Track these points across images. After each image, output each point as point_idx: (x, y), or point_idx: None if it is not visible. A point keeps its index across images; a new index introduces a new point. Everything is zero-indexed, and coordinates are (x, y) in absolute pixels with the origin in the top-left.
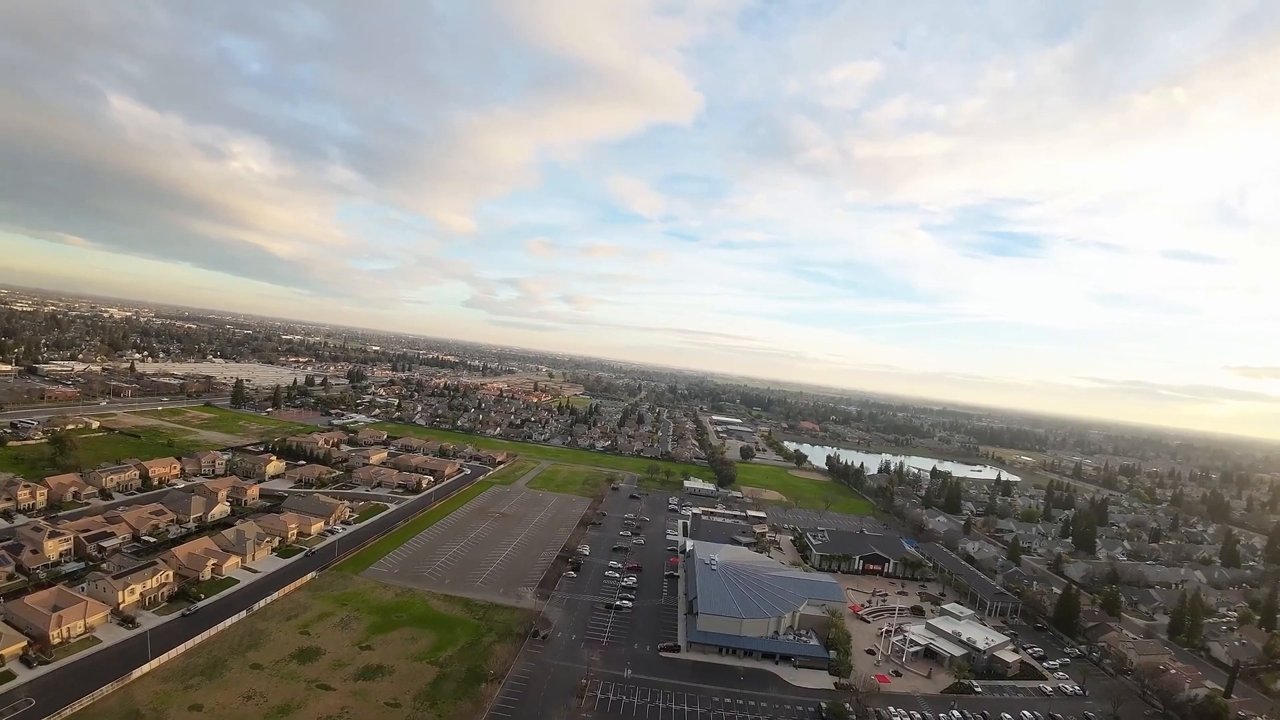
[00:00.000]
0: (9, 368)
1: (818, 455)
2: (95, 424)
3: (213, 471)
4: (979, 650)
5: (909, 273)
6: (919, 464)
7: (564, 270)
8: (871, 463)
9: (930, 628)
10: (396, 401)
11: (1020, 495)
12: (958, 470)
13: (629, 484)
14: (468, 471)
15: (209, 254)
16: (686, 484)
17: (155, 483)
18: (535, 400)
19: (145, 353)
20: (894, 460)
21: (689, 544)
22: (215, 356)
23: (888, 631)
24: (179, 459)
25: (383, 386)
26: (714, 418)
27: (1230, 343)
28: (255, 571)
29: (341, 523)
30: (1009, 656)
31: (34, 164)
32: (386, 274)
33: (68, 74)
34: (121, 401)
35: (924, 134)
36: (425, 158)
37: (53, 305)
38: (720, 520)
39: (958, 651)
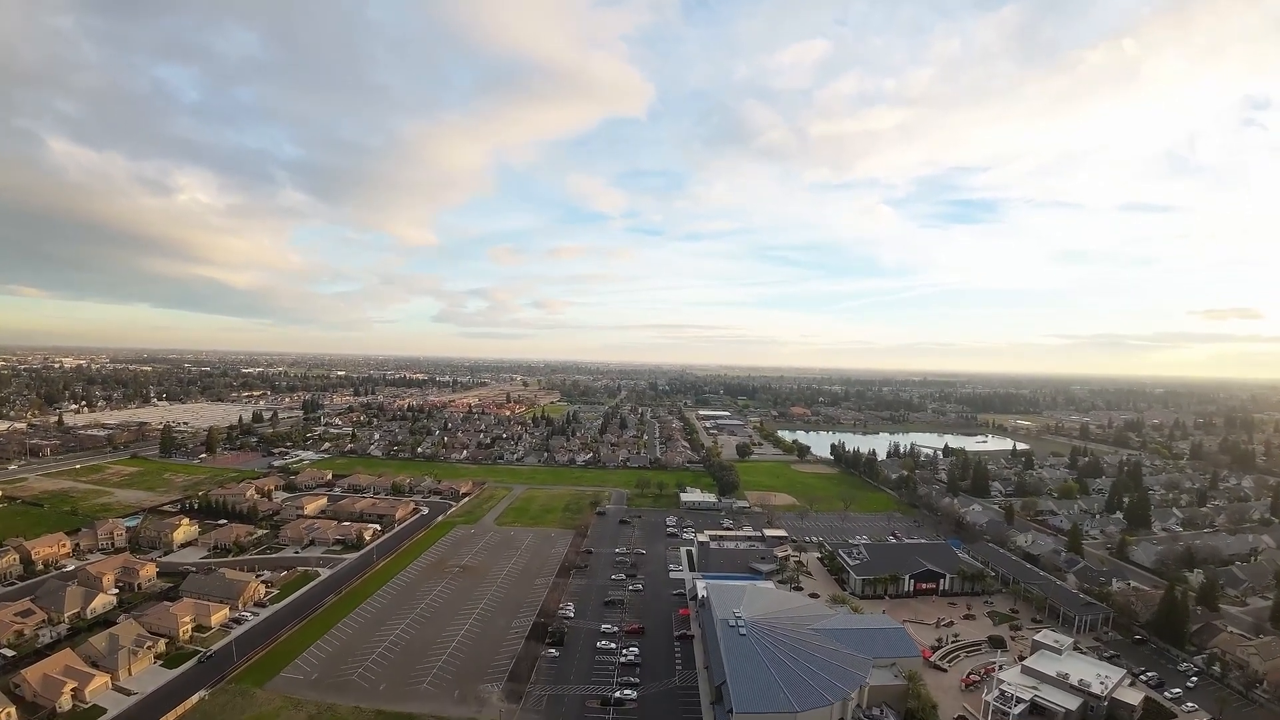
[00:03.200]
0: None
1: (816, 443)
2: None
3: (111, 545)
4: (1096, 696)
5: (873, 248)
6: (921, 441)
7: (531, 275)
8: (873, 445)
9: (1029, 671)
10: (350, 431)
11: (1042, 466)
12: (961, 443)
13: (617, 504)
14: (425, 511)
15: (166, 292)
16: (684, 497)
17: (40, 567)
18: (508, 414)
19: (83, 403)
20: (896, 440)
21: (700, 586)
22: (159, 399)
23: (973, 681)
24: (71, 534)
25: (339, 415)
26: (700, 412)
27: (1193, 288)
28: (129, 693)
29: (254, 605)
30: (1131, 696)
31: None
32: (351, 296)
33: (2, 119)
34: (39, 462)
35: (877, 108)
36: (377, 172)
37: (3, 360)
38: (732, 547)
39: (1072, 703)
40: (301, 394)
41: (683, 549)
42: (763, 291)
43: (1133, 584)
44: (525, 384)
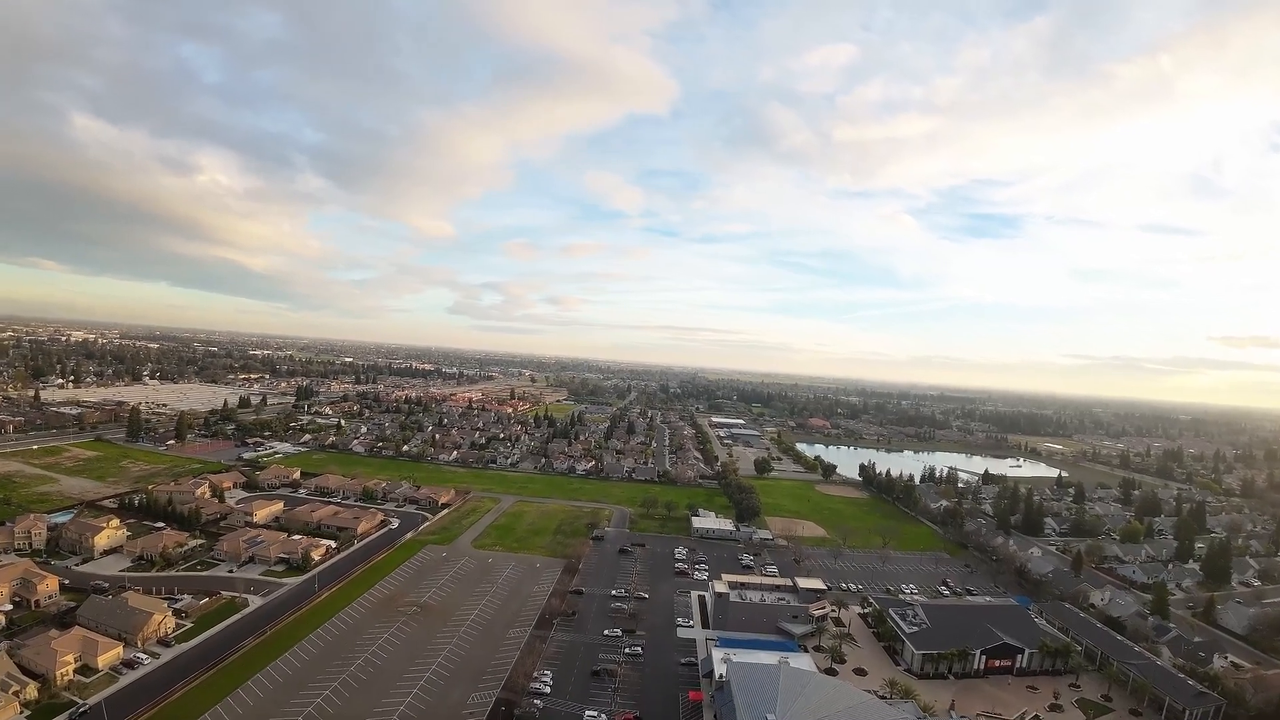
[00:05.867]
0: None
1: (839, 459)
2: None
3: (29, 546)
4: None
5: (890, 258)
6: (952, 461)
7: (546, 271)
8: (901, 464)
9: None
10: (337, 422)
11: (1092, 499)
12: (993, 465)
13: (618, 526)
14: (394, 525)
15: (184, 272)
16: (695, 522)
17: None
18: (509, 411)
19: (70, 378)
20: (926, 460)
21: (717, 657)
22: (152, 378)
23: None
24: None
25: (332, 404)
26: (713, 419)
27: (1212, 313)
28: None
29: (157, 643)
30: None
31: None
32: (367, 284)
33: (25, 93)
34: None
35: (903, 115)
36: (396, 161)
37: (13, 331)
38: (757, 599)
39: None
40: (300, 379)
41: (694, 595)
42: (777, 297)
43: (1230, 659)
44: (533, 380)
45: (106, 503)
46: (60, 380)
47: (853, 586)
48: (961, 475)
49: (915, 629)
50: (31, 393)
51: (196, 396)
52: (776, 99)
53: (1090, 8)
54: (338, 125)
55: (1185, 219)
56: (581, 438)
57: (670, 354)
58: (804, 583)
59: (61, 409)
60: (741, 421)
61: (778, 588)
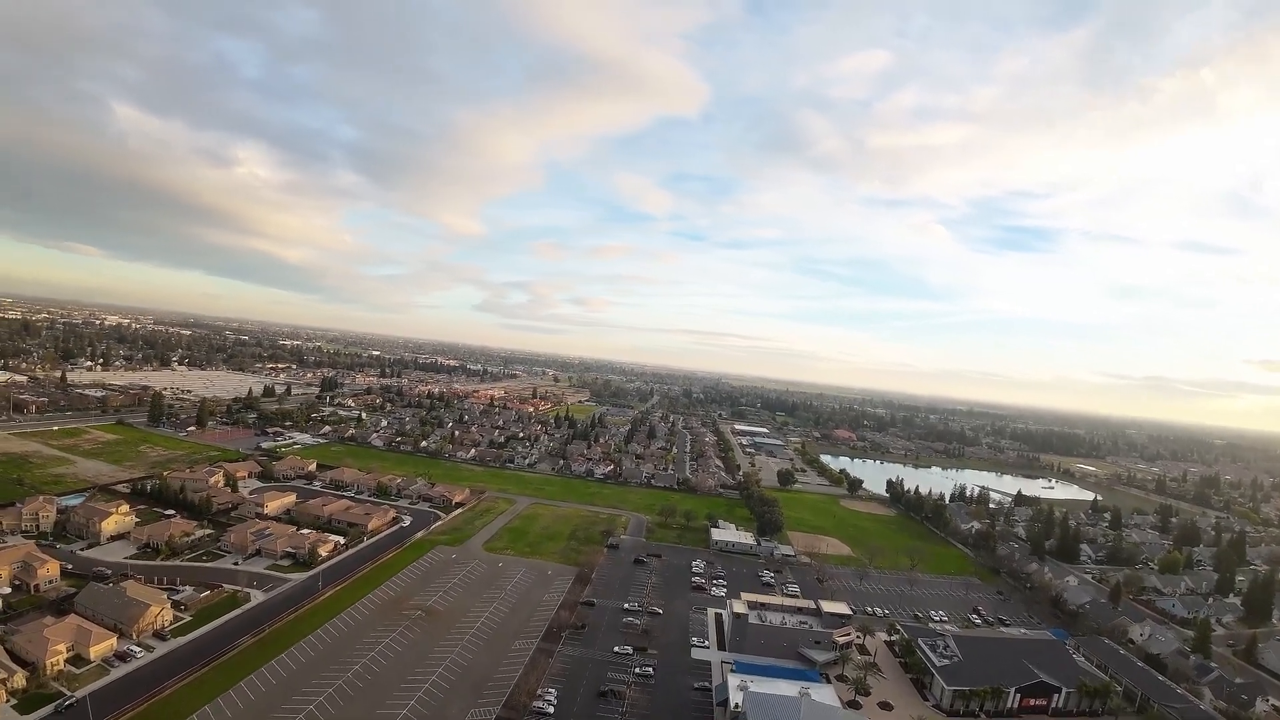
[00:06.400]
0: None
1: (865, 473)
2: None
3: (35, 528)
4: None
5: (920, 269)
6: (981, 480)
7: (573, 272)
8: (929, 481)
9: None
10: (358, 415)
11: (1128, 525)
12: (1024, 486)
13: (634, 535)
14: (405, 522)
15: (221, 262)
16: (715, 534)
17: None
18: (530, 410)
19: (99, 361)
20: (954, 477)
21: (733, 685)
22: (180, 364)
23: None
24: None
25: (355, 396)
26: (736, 426)
27: (1249, 335)
28: None
29: (152, 636)
30: None
31: (42, 174)
32: (397, 279)
33: (67, 81)
34: (19, 419)
35: (937, 124)
36: (428, 159)
37: (48, 313)
38: (778, 622)
39: None
40: (326, 371)
41: (711, 613)
42: (804, 305)
43: (1272, 702)
44: (556, 379)
45: (120, 487)
46: (89, 363)
47: (879, 611)
48: (993, 495)
49: (946, 661)
50: (59, 374)
51: (222, 384)
52: (809, 104)
53: (1131, 19)
54: (373, 122)
55: (1223, 238)
56: (601, 440)
57: (694, 358)
58: (828, 606)
59: (87, 391)
60: (765, 430)
61: (800, 610)
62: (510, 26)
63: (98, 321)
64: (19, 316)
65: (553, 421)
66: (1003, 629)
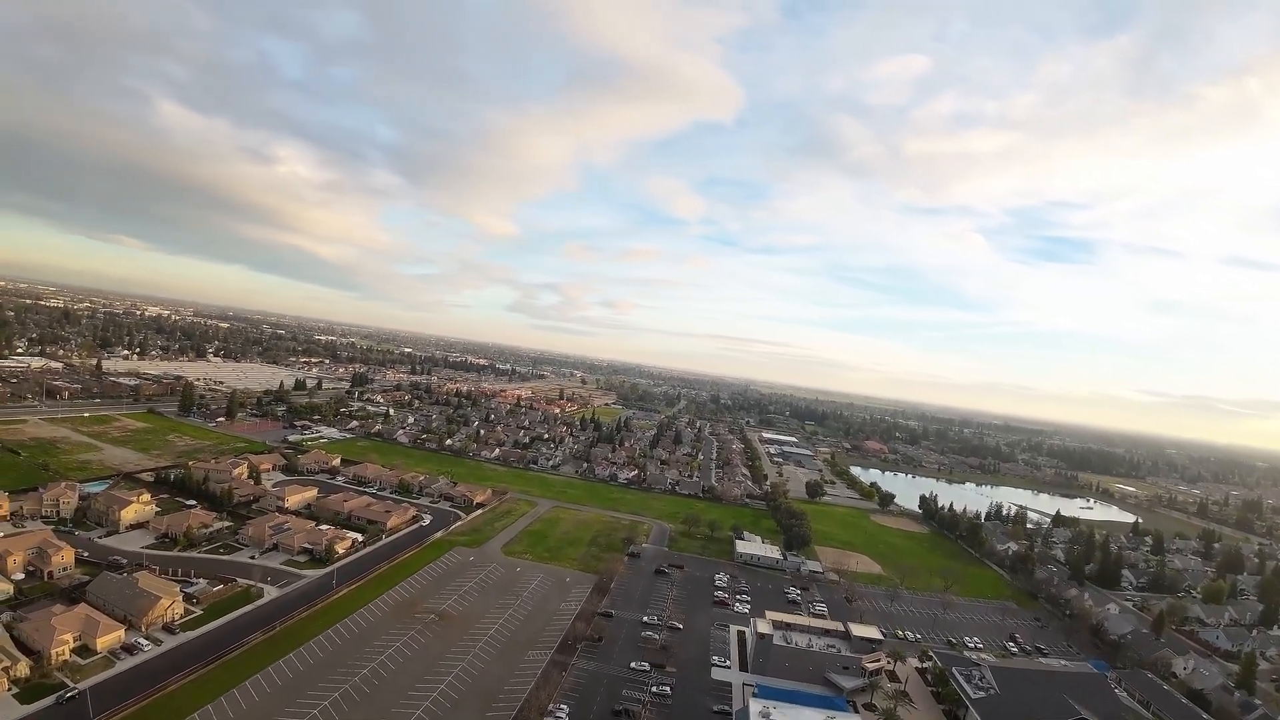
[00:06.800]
0: None
1: (896, 487)
2: None
3: (56, 514)
4: None
5: (956, 278)
6: (1017, 498)
7: (603, 274)
8: (962, 498)
9: None
10: (386, 411)
11: (1170, 549)
12: (1062, 505)
13: (656, 543)
14: (425, 522)
15: (261, 257)
16: (739, 546)
17: None
18: (556, 411)
19: (136, 350)
20: (988, 494)
21: (754, 711)
22: (216, 355)
23: None
24: (17, 494)
25: (385, 392)
26: (764, 434)
27: None
28: None
29: (161, 629)
30: None
31: (89, 168)
32: (431, 278)
33: (114, 78)
34: (51, 405)
35: (976, 130)
36: (464, 160)
37: (90, 303)
38: (804, 644)
39: None
40: (358, 366)
41: (733, 630)
42: (835, 312)
43: None
44: (583, 381)
45: (144, 475)
46: (125, 352)
47: (910, 635)
48: (1030, 515)
49: (981, 694)
50: (94, 362)
51: (255, 376)
52: (844, 109)
53: (1174, 26)
54: (410, 123)
55: (1267, 252)
56: (626, 444)
57: (721, 364)
58: (857, 630)
59: (120, 379)
60: (793, 439)
61: (828, 632)
62: (547, 30)
63: (138, 312)
64: (61, 305)
65: (578, 423)
66: (1041, 659)
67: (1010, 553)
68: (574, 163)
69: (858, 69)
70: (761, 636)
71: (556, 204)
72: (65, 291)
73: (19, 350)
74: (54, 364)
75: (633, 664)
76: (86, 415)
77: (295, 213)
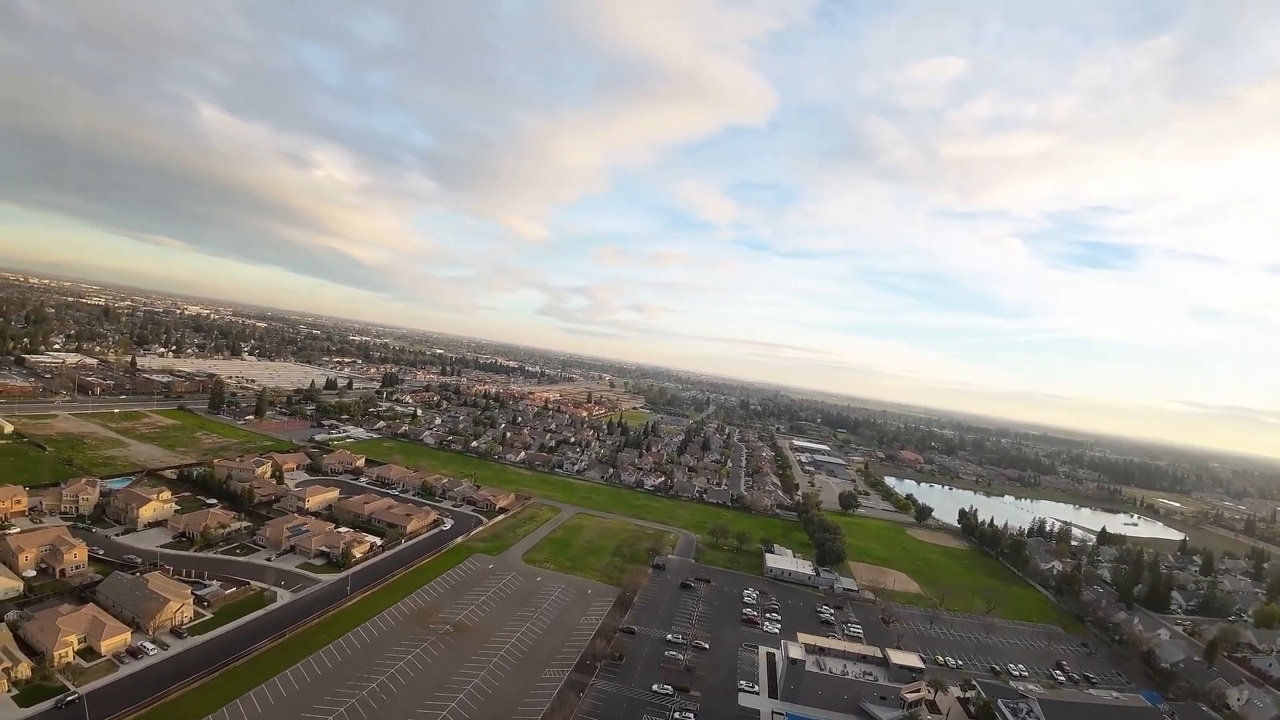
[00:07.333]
0: None
1: (933, 499)
2: (8, 428)
3: (75, 510)
4: None
5: (991, 284)
6: (1056, 512)
7: (633, 278)
8: (1002, 511)
9: None
10: (415, 411)
11: (1219, 570)
12: (1105, 521)
13: (682, 554)
14: (446, 526)
15: (298, 259)
16: (769, 560)
17: None
18: (584, 414)
19: (173, 348)
20: (1028, 507)
21: None
22: (251, 354)
23: None
24: (38, 489)
25: (414, 392)
26: (794, 442)
27: None
28: None
29: (169, 633)
30: None
31: (133, 170)
32: (464, 281)
33: (156, 82)
34: (83, 400)
35: (1015, 133)
36: (496, 164)
37: (132, 301)
38: (839, 670)
39: None
40: (389, 366)
41: (762, 652)
42: (866, 318)
43: None
44: (612, 385)
45: (167, 473)
46: (161, 350)
47: (951, 661)
48: (1076, 531)
49: None
50: (129, 359)
51: (287, 375)
52: (878, 112)
53: (1215, 26)
54: (444, 127)
55: None
56: (654, 450)
57: (750, 369)
58: (896, 657)
59: (153, 376)
60: (825, 447)
61: (864, 658)
62: (580, 35)
63: (178, 311)
64: (101, 303)
65: (605, 427)
66: (1090, 690)
67: (1055, 572)
68: (604, 166)
69: (891, 71)
70: (793, 661)
71: (587, 207)
72: (108, 290)
73: (55, 346)
74: (89, 360)
75: (655, 686)
76: (116, 411)
77: (332, 216)
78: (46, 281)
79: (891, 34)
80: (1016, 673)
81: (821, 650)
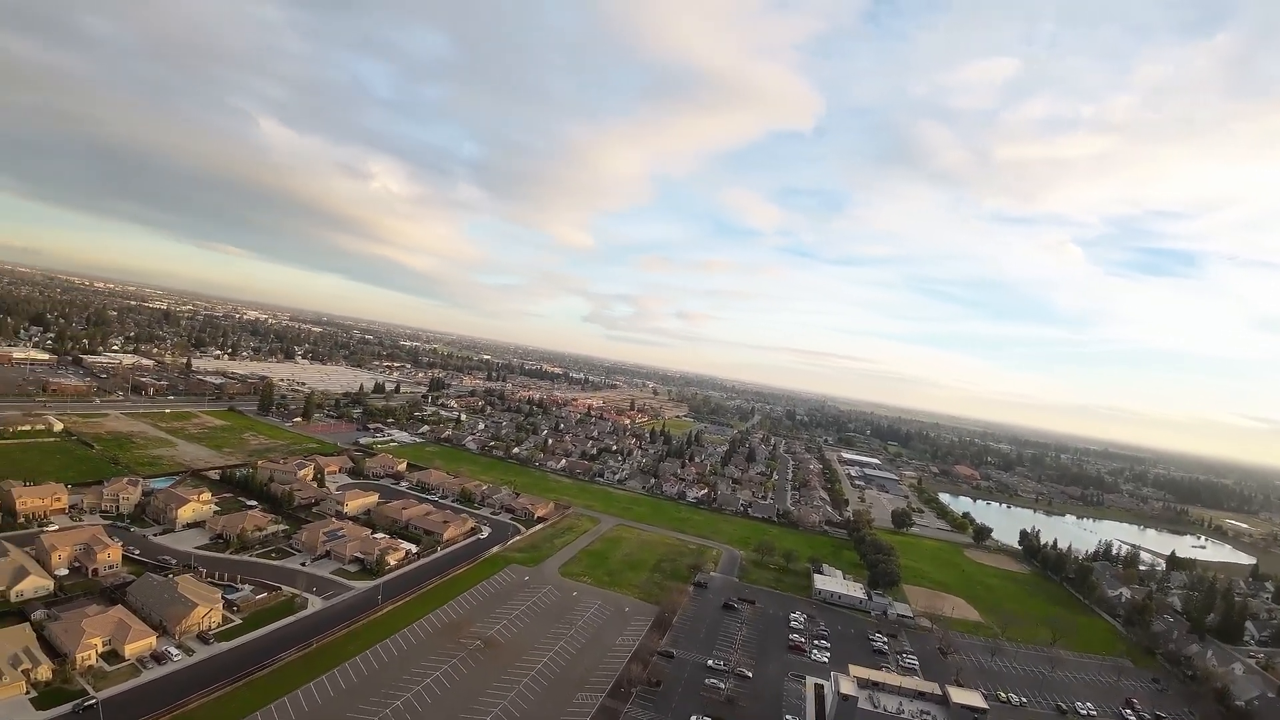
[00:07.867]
0: (46, 357)
1: (991, 518)
2: (57, 425)
3: (115, 509)
4: None
5: (1048, 292)
6: (1120, 533)
7: (677, 286)
8: (1065, 532)
9: None
10: (459, 416)
11: None
12: (1173, 544)
13: (725, 572)
14: (483, 534)
15: (355, 267)
16: (818, 581)
17: (21, 520)
18: (626, 422)
19: (228, 350)
20: (1091, 527)
21: None
22: (304, 358)
23: None
24: (80, 487)
25: (459, 397)
26: (843, 455)
27: None
28: None
29: (196, 637)
30: None
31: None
32: (510, 288)
33: (218, 96)
34: (135, 400)
35: (1072, 134)
36: (543, 173)
37: (193, 306)
38: (893, 708)
39: None
40: (437, 371)
41: (809, 683)
42: (917, 327)
43: None
44: (655, 392)
45: (210, 473)
46: (218, 352)
47: (1014, 698)
48: (1144, 555)
49: None
50: (185, 360)
51: (338, 379)
52: (928, 115)
53: (1275, 24)
54: (493, 138)
55: None
56: (697, 460)
57: (796, 378)
58: (957, 695)
59: (207, 378)
60: (876, 461)
61: (922, 695)
62: (627, 44)
63: (237, 315)
64: (163, 307)
65: (648, 435)
66: None
67: (1123, 600)
68: (649, 174)
69: (942, 73)
70: (845, 698)
71: (631, 216)
72: (171, 295)
73: (114, 348)
74: (145, 361)
75: (694, 718)
76: (168, 411)
77: (386, 225)
78: (112, 285)
79: (940, 35)
80: (1084, 712)
81: (875, 685)
